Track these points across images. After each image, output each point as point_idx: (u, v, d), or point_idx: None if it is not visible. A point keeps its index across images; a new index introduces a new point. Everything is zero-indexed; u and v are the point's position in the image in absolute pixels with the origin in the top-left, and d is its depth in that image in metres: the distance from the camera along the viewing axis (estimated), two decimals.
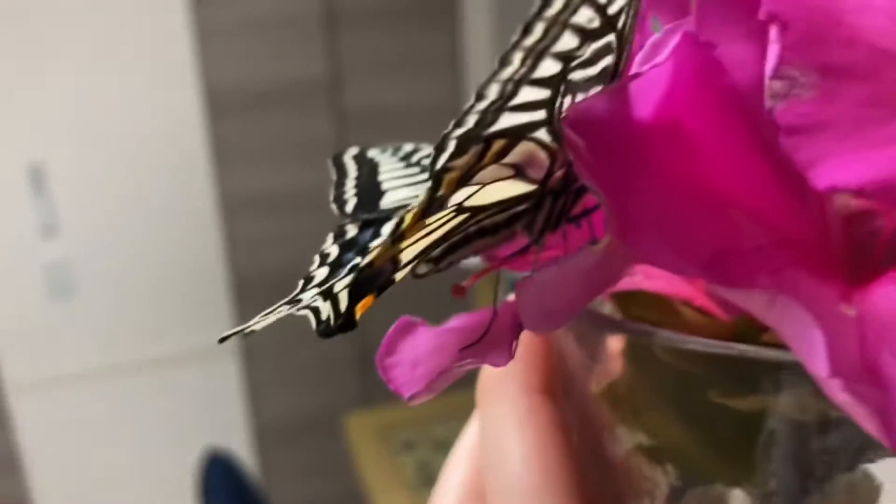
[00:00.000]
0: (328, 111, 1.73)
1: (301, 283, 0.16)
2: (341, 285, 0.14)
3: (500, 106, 0.14)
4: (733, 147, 0.13)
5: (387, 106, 1.76)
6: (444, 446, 1.49)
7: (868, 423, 0.09)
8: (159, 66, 1.62)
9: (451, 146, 0.14)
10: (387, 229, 0.15)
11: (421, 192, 0.15)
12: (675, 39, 0.12)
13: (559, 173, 0.14)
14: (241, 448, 1.83)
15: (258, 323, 0.16)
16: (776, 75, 0.11)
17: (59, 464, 1.75)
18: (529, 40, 0.13)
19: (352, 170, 0.20)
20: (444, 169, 0.14)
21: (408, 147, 0.20)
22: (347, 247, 0.17)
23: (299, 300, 0.15)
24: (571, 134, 0.12)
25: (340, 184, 0.19)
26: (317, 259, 0.17)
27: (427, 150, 0.19)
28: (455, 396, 1.61)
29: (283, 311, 0.15)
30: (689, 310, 0.15)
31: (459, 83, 1.80)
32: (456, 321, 0.16)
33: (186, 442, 1.69)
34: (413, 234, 0.14)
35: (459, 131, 0.14)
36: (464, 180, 0.14)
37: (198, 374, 1.79)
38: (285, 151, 1.72)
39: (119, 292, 1.71)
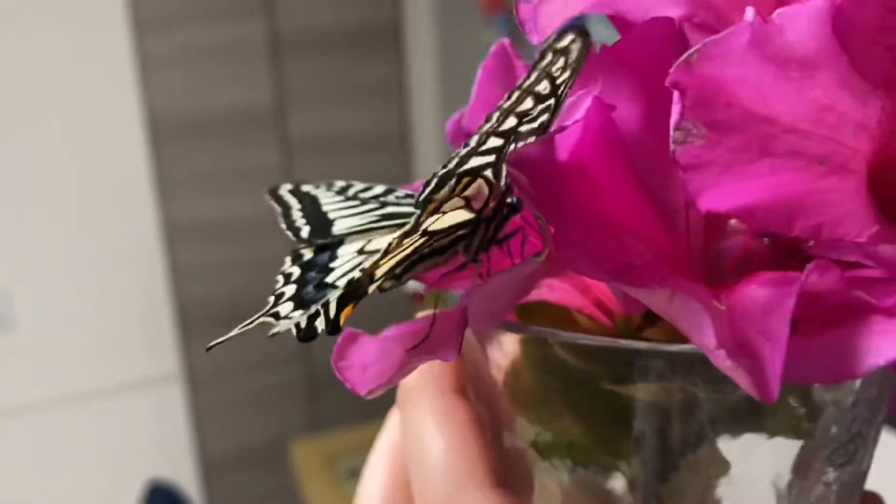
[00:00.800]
0: (273, 139, 1.75)
1: (272, 299, 0.18)
2: (332, 299, 0.16)
3: (473, 151, 0.17)
4: (623, 185, 0.16)
5: (332, 134, 1.79)
6: None
7: (744, 382, 0.12)
8: (102, 95, 1.61)
9: (434, 182, 0.18)
10: (350, 250, 0.19)
11: (368, 219, 0.19)
12: (588, 101, 0.16)
13: (492, 205, 0.17)
14: (187, 477, 1.81)
15: (241, 330, 0.18)
16: (677, 127, 0.14)
17: (2, 494, 1.71)
18: (507, 103, 0.18)
19: (293, 202, 0.23)
20: (428, 200, 0.17)
21: (340, 183, 0.22)
22: (308, 267, 0.19)
23: (278, 313, 0.17)
24: (514, 171, 0.15)
25: (287, 214, 0.22)
26: (280, 279, 0.19)
27: (359, 185, 0.22)
28: None
29: (263, 320, 0.17)
30: (581, 316, 0.19)
31: (404, 111, 1.83)
32: (393, 330, 0.18)
33: (132, 471, 1.68)
34: (387, 257, 0.17)
35: (442, 171, 0.18)
36: (436, 211, 0.17)
37: (143, 404, 1.78)
38: (229, 179, 1.73)
39: (61, 323, 1.69)
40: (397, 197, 0.21)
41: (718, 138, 0.14)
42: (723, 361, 0.13)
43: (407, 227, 0.17)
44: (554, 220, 0.15)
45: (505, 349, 0.19)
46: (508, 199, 0.17)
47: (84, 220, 1.66)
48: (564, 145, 0.16)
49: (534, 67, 0.17)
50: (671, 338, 0.16)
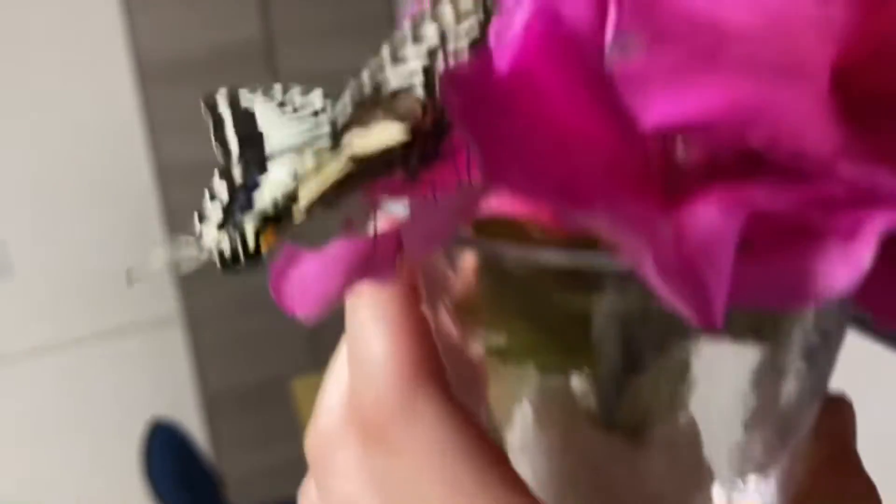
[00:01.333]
0: (262, 78, 1.73)
1: (196, 216, 0.17)
2: (249, 221, 0.16)
3: (391, 66, 0.16)
4: (573, 94, 0.15)
5: (322, 72, 1.76)
6: None
7: (686, 309, 0.12)
8: (88, 37, 1.59)
9: (350, 110, 0.17)
10: (283, 171, 0.17)
11: (300, 132, 0.18)
12: (527, 6, 0.15)
13: (429, 119, 0.17)
14: (190, 416, 1.84)
15: (164, 253, 0.18)
16: (615, 38, 0.13)
17: (4, 441, 1.74)
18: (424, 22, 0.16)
19: (227, 116, 0.21)
20: (343, 126, 0.16)
21: (277, 87, 0.21)
22: (236, 188, 0.18)
23: (201, 238, 0.17)
24: (447, 90, 0.14)
25: (219, 127, 0.21)
26: (206, 194, 0.18)
27: (296, 89, 0.21)
28: None
29: (190, 252, 0.17)
30: (535, 228, 0.17)
31: None
32: (334, 248, 0.17)
33: (134, 414, 1.69)
34: (308, 180, 0.16)
35: (357, 97, 0.17)
36: (348, 130, 0.16)
37: (143, 346, 1.79)
38: None
39: (58, 268, 1.69)
40: (335, 108, 0.19)
41: (661, 49, 0.13)
42: (663, 288, 0.12)
43: (318, 154, 0.16)
44: (488, 140, 0.14)
45: (458, 260, 0.18)
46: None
47: (76, 165, 1.65)
48: (503, 57, 0.15)
49: None
50: None
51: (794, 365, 0.16)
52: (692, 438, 0.17)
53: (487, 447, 0.16)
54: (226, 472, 1.91)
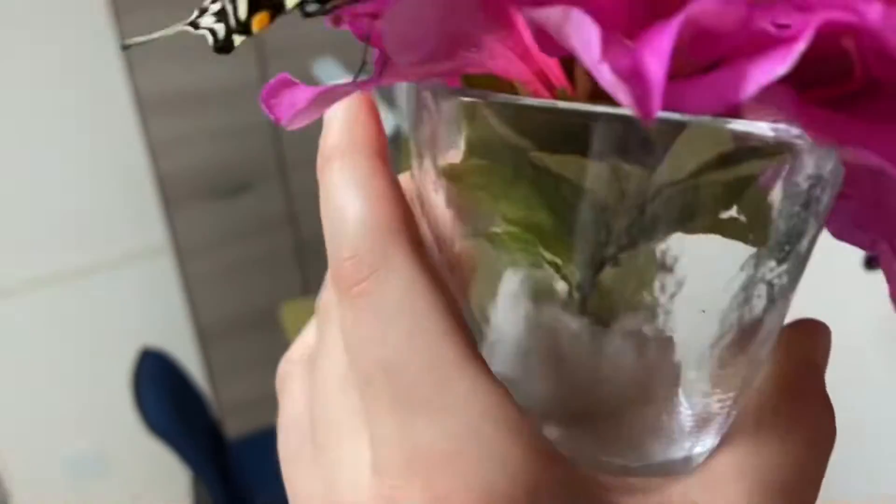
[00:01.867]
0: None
1: (196, 12, 0.17)
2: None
3: None
4: None
5: None
6: None
7: (625, 98, 0.12)
8: None
9: None
10: None
11: None
12: None
13: None
14: (182, 345, 1.85)
15: (161, 34, 0.18)
16: None
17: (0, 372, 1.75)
18: None
19: None
20: None
21: None
22: None
23: (197, 23, 0.17)
24: None
25: None
26: None
27: None
28: None
29: (180, 27, 0.17)
30: (524, 90, 0.17)
31: None
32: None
33: (127, 344, 1.71)
34: None
35: None
36: None
37: (133, 278, 1.80)
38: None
39: (44, 203, 1.68)
40: None
41: None
42: (606, 76, 0.12)
43: None
44: None
45: (446, 117, 0.18)
46: None
47: (55, 98, 1.62)
48: None
49: None
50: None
51: (767, 266, 0.16)
52: (661, 335, 0.17)
53: (452, 310, 0.17)
54: (220, 400, 1.94)
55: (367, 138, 0.19)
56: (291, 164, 1.83)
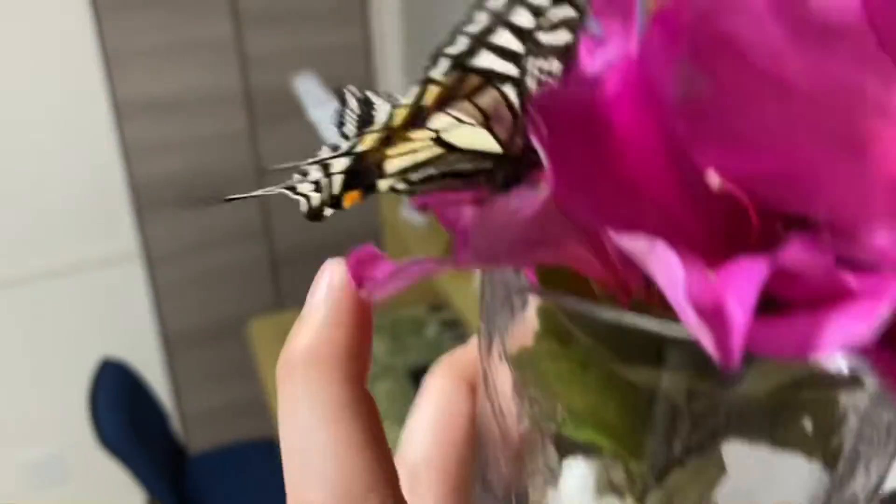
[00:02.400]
0: (223, 9, 1.67)
1: (297, 176, 0.18)
2: (338, 166, 0.17)
3: (482, 38, 0.16)
4: (650, 144, 0.16)
5: (286, 4, 1.71)
6: None
7: (707, 341, 0.12)
8: None
9: (443, 63, 0.16)
10: (381, 117, 0.18)
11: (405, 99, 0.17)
12: (621, 53, 0.15)
13: (519, 142, 0.17)
14: (147, 354, 1.83)
15: (260, 194, 0.18)
16: (680, 74, 0.14)
17: None
18: None
19: (352, 100, 0.20)
20: (431, 79, 0.16)
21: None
22: (338, 149, 0.18)
23: (295, 188, 0.17)
24: (534, 110, 0.14)
25: (342, 109, 0.20)
26: (312, 161, 0.18)
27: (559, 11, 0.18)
28: None
29: (277, 190, 0.18)
30: (601, 292, 0.17)
31: None
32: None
33: (91, 350, 1.67)
34: (399, 147, 0.16)
35: (452, 50, 0.16)
36: (444, 102, 0.16)
37: (102, 283, 1.77)
38: (178, 52, 1.66)
39: (15, 203, 1.65)
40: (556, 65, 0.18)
41: (722, 92, 0.14)
42: (689, 317, 0.12)
43: (409, 104, 0.16)
44: (563, 165, 0.15)
45: (519, 308, 0.18)
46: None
47: (31, 97, 1.59)
48: (591, 90, 0.15)
49: None
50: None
51: (834, 485, 0.16)
52: None
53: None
54: (183, 412, 1.91)
55: (345, 351, 0.17)
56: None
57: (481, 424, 0.20)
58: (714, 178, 0.15)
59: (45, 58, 1.58)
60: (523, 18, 0.16)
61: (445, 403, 0.21)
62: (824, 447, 0.16)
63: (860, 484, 0.16)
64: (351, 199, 0.17)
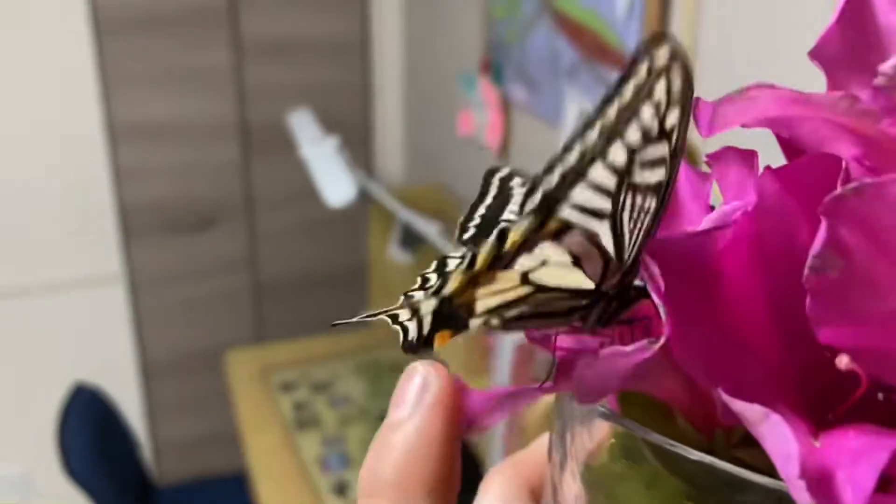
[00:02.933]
0: (224, 39, 1.67)
1: (402, 298, 0.17)
2: (426, 308, 0.16)
3: (580, 174, 0.16)
4: (755, 301, 0.16)
5: (286, 36, 1.72)
6: (323, 388, 1.50)
7: None
8: None
9: (538, 202, 0.16)
10: (453, 264, 0.18)
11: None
12: (741, 211, 0.15)
13: (615, 279, 0.17)
14: (124, 379, 1.79)
15: (362, 318, 0.18)
16: (816, 254, 0.14)
17: None
18: (612, 113, 0.16)
19: (489, 195, 0.20)
20: (507, 229, 0.16)
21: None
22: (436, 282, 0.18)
23: (397, 315, 0.17)
24: (649, 261, 0.15)
25: (473, 208, 0.20)
26: (419, 280, 0.18)
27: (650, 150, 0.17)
28: (342, 339, 1.62)
29: (379, 318, 0.17)
30: (681, 418, 0.18)
31: (365, 16, 1.77)
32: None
33: (67, 371, 1.64)
34: (486, 285, 0.16)
35: (546, 190, 0.16)
36: (526, 245, 0.16)
37: (82, 304, 1.74)
38: (176, 79, 1.66)
39: (2, 217, 1.62)
40: (652, 204, 0.17)
41: (854, 275, 0.14)
42: (802, 495, 0.12)
43: (486, 250, 0.16)
44: (678, 317, 0.15)
45: (595, 432, 0.18)
46: (637, 282, 0.17)
47: (25, 114, 1.58)
48: (706, 247, 0.15)
49: (628, 76, 0.16)
50: (766, 465, 0.16)
51: None
52: None
53: None
54: (157, 441, 1.88)
55: (436, 476, 0.17)
56: (259, 205, 1.80)
57: None
58: (844, 360, 0.15)
59: (42, 77, 1.57)
60: (619, 155, 0.16)
61: None
62: None
63: None
64: (443, 338, 0.17)
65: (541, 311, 0.17)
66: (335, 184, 1.22)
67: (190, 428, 1.89)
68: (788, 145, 0.16)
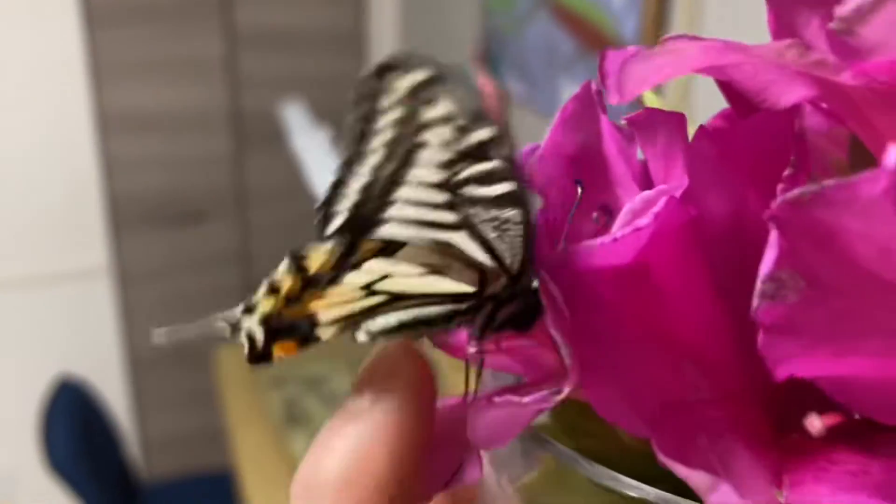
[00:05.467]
0: (217, 28, 1.65)
1: (242, 306, 0.16)
2: (249, 325, 0.16)
3: (380, 199, 0.15)
4: (699, 304, 0.14)
5: (280, 27, 1.69)
6: (313, 384, 1.48)
7: None
8: None
9: (332, 239, 0.16)
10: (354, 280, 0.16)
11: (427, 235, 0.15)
12: (660, 203, 0.13)
13: (499, 284, 0.15)
14: (112, 375, 1.77)
15: (190, 332, 0.17)
16: (769, 277, 0.11)
17: None
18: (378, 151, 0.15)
19: (377, 135, 0.15)
20: (301, 256, 0.15)
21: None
22: (307, 283, 0.16)
23: (239, 323, 0.16)
24: (548, 281, 0.13)
25: (340, 185, 0.16)
26: (264, 285, 0.16)
27: (474, 168, 0.15)
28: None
29: (219, 326, 0.16)
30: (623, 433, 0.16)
31: (360, 7, 1.75)
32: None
33: (53, 364, 1.62)
34: (316, 300, 0.15)
35: (345, 216, 0.16)
36: (342, 266, 0.15)
37: (69, 296, 1.71)
38: (168, 69, 1.63)
39: None
40: (511, 215, 0.15)
41: (819, 299, 0.11)
42: None
43: (286, 283, 0.15)
44: (590, 345, 0.13)
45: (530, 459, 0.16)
46: (533, 284, 0.15)
47: (13, 103, 1.56)
48: (622, 255, 0.13)
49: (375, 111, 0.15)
50: None
51: None
52: None
53: None
54: (145, 436, 1.86)
55: (382, 485, 0.14)
56: (251, 199, 1.78)
57: None
58: (816, 424, 0.13)
59: (32, 66, 1.55)
60: (432, 174, 0.15)
61: None
62: None
63: None
64: (286, 349, 0.16)
65: (419, 317, 0.15)
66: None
67: (177, 423, 1.86)
68: (730, 89, 0.13)
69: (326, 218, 0.16)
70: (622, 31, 1.03)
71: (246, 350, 0.16)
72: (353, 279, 0.15)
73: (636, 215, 0.13)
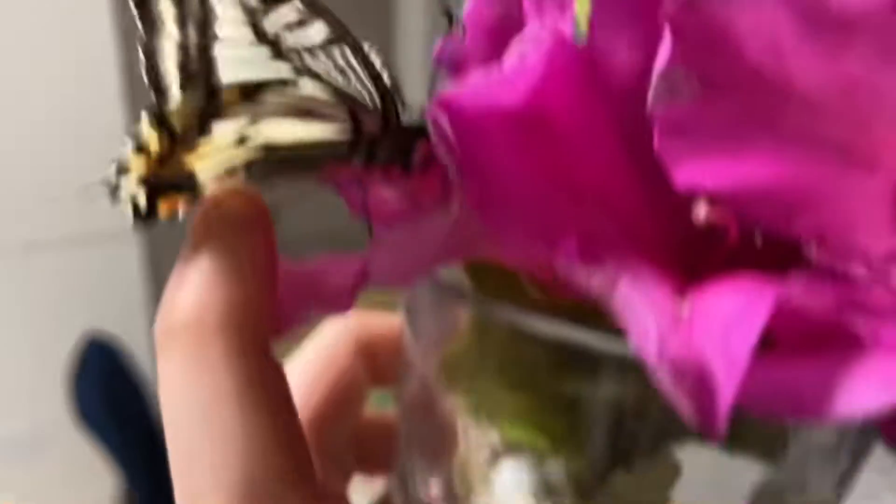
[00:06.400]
0: None
1: (114, 167, 0.16)
2: (127, 185, 0.15)
3: (203, 46, 0.15)
4: (598, 141, 0.13)
5: None
6: None
7: (685, 408, 0.10)
8: None
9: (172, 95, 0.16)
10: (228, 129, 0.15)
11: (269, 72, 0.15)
12: (549, 38, 0.12)
13: (376, 123, 0.15)
14: (140, 332, 1.80)
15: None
16: (662, 76, 0.11)
17: None
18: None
19: (169, 22, 0.16)
20: (162, 114, 0.15)
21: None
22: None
23: (118, 186, 0.15)
24: (438, 117, 0.12)
25: (150, 35, 0.17)
26: (129, 142, 0.16)
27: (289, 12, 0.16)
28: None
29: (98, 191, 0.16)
30: (534, 287, 0.16)
31: None
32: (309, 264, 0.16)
33: (82, 323, 1.65)
34: (189, 154, 0.15)
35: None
36: (209, 118, 0.15)
37: (99, 257, 1.74)
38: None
39: (24, 171, 1.63)
40: (344, 54, 0.15)
41: (714, 97, 0.11)
42: (664, 376, 0.10)
43: (153, 142, 0.15)
44: (486, 177, 0.13)
45: (447, 310, 0.16)
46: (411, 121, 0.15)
47: (41, 65, 1.57)
48: (514, 90, 0.12)
49: None
50: None
51: (802, 488, 0.15)
52: None
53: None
54: None
55: (244, 310, 0.13)
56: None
57: (404, 415, 0.18)
58: (701, 210, 0.13)
59: (59, 28, 1.57)
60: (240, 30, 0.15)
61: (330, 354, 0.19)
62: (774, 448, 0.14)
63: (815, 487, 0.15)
64: (171, 203, 0.15)
65: (298, 160, 0.15)
66: None
67: None
68: None
69: (158, 87, 0.16)
70: None
71: (129, 212, 0.15)
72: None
73: (523, 55, 0.13)
